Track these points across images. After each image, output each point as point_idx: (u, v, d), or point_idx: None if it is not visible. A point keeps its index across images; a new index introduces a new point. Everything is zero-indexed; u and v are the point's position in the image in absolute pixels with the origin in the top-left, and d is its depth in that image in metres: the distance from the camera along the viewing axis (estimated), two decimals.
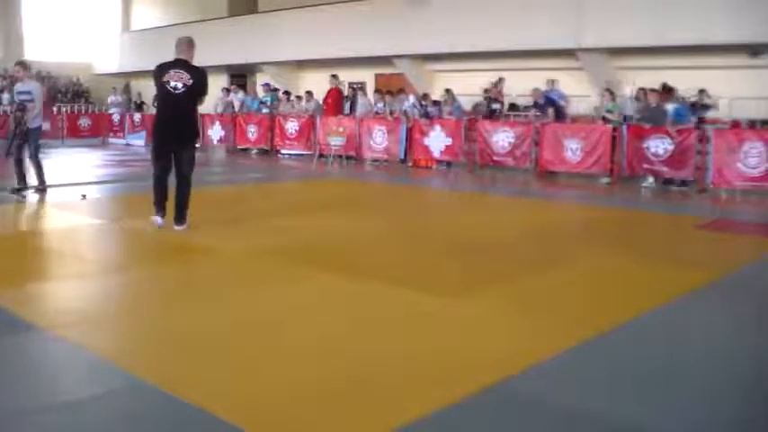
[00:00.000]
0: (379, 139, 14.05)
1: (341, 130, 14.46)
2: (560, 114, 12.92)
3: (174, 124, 6.56)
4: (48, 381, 3.11)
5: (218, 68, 23.38)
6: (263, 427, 2.65)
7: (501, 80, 14.94)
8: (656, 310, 4.28)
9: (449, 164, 13.49)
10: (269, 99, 17.34)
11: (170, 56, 6.70)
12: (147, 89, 21.67)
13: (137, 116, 20.16)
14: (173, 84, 6.46)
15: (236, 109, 17.52)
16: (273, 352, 3.46)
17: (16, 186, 8.60)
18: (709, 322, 4.21)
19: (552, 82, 14.11)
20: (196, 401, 2.82)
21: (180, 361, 3.32)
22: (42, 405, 2.81)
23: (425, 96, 14.83)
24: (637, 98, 12.54)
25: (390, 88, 16.16)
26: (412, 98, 14.67)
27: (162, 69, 6.55)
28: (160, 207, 6.61)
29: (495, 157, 12.58)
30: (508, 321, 4.04)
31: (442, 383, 3.07)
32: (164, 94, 6.50)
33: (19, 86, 8.83)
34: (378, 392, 3.00)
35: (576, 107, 14.99)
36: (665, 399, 2.97)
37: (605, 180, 11.43)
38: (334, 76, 16.06)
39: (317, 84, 17.77)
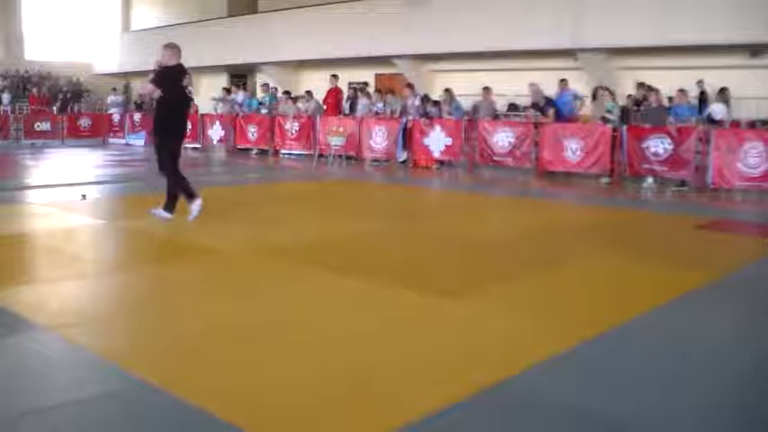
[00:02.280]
0: (379, 139, 14.05)
1: (341, 130, 14.47)
2: (560, 115, 12.89)
3: (186, 124, 7.40)
4: (48, 381, 3.10)
5: (218, 68, 23.43)
6: (263, 427, 2.65)
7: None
8: (655, 310, 4.28)
9: (449, 164, 13.49)
10: (267, 99, 17.35)
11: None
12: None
13: (137, 116, 20.16)
14: (189, 88, 7.17)
15: (237, 109, 17.52)
16: (274, 352, 3.45)
17: None
18: (709, 322, 4.21)
19: (563, 81, 13.89)
20: (196, 401, 2.82)
21: (180, 361, 3.32)
22: (42, 405, 2.81)
23: (426, 98, 14.80)
24: (594, 97, 12.74)
25: (392, 88, 16.16)
26: (417, 98, 14.56)
27: (184, 73, 7.06)
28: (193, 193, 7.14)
29: (495, 157, 12.58)
30: (508, 321, 4.04)
31: (442, 383, 3.07)
32: (183, 98, 7.13)
33: None
34: (378, 392, 3.00)
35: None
36: (665, 399, 2.97)
37: (605, 180, 11.44)
38: (334, 76, 16.06)
39: (317, 84, 17.79)
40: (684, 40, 13.59)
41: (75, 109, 24.82)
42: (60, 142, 19.21)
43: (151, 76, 7.00)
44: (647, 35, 14.03)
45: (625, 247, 6.33)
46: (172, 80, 6.93)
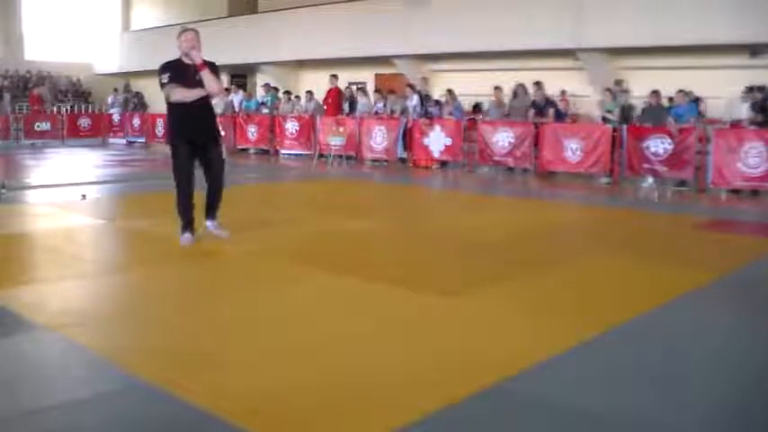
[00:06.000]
0: (379, 139, 14.05)
1: (341, 130, 14.46)
2: (560, 115, 12.89)
3: None
4: (48, 381, 3.11)
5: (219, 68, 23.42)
6: (262, 427, 2.65)
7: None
8: (655, 309, 4.28)
9: (449, 164, 13.48)
10: (268, 99, 17.33)
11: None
12: (147, 89, 21.75)
13: (136, 117, 20.15)
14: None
15: (237, 109, 17.51)
16: (273, 352, 3.46)
17: None
18: (709, 322, 4.21)
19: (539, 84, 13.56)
20: (196, 401, 2.82)
21: (180, 361, 3.32)
22: (42, 405, 2.81)
23: (426, 96, 14.77)
24: (515, 94, 13.01)
25: (392, 88, 16.14)
26: (416, 98, 14.59)
27: None
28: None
29: (495, 157, 12.57)
30: (508, 321, 4.04)
31: (442, 384, 3.07)
32: None
33: None
34: (378, 392, 3.00)
35: (574, 107, 14.99)
36: (665, 399, 2.97)
37: (605, 180, 11.43)
38: (334, 76, 16.05)
39: (317, 84, 17.78)
40: (684, 40, 13.58)
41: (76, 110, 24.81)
42: (60, 142, 19.20)
43: (201, 75, 6.18)
44: (647, 35, 14.02)
45: (625, 247, 6.33)
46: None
